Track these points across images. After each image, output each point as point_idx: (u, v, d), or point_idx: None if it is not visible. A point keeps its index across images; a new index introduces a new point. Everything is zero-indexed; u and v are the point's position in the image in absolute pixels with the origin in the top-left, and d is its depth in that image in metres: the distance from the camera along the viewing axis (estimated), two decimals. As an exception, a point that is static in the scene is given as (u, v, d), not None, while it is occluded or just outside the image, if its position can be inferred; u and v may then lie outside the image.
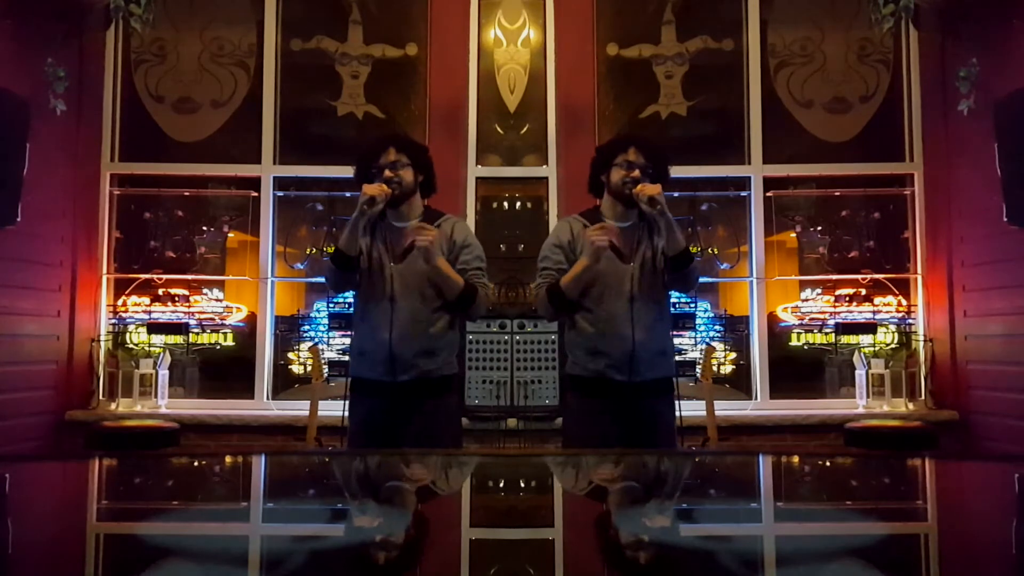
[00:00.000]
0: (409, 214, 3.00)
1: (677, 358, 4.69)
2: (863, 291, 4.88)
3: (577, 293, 2.91)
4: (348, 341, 4.78)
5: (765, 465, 2.33)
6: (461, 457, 2.63)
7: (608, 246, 2.86)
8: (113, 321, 4.83)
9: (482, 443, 4.17)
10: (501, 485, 2.11)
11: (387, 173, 2.92)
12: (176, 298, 4.87)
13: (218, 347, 4.87)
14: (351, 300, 4.65)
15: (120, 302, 4.85)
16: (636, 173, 2.91)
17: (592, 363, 2.92)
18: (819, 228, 4.99)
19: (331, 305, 4.83)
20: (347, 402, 3.04)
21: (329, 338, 4.84)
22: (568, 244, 2.97)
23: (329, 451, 3.86)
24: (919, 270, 4.85)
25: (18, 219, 4.00)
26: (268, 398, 4.79)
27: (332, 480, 2.20)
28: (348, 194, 4.91)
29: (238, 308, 4.90)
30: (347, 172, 4.73)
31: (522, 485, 2.10)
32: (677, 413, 3.04)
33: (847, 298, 4.88)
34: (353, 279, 3.00)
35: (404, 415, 2.90)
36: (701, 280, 4.80)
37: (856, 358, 4.75)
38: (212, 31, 5.00)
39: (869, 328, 4.79)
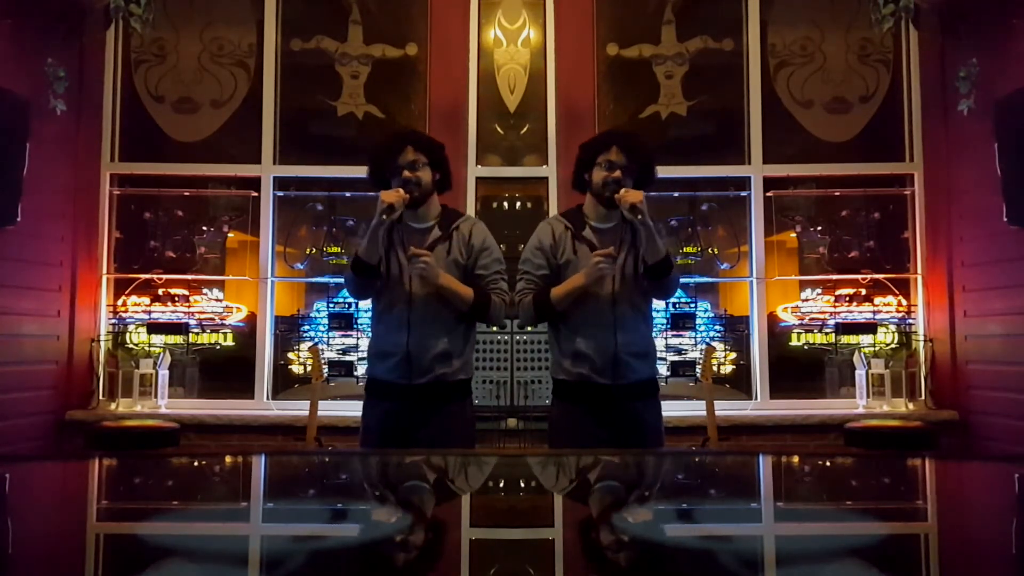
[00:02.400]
0: (427, 215, 2.95)
1: (677, 358, 4.74)
2: (863, 291, 4.88)
3: (566, 306, 2.86)
4: (348, 341, 4.83)
5: (765, 465, 2.33)
6: (466, 458, 2.62)
7: (611, 275, 2.83)
8: (113, 321, 4.83)
9: (482, 443, 4.17)
10: (501, 485, 2.11)
11: (406, 174, 2.87)
12: (176, 298, 4.87)
13: (218, 347, 4.87)
14: (350, 300, 4.69)
15: (120, 302, 4.85)
16: (617, 174, 2.85)
17: (575, 367, 2.86)
18: (819, 228, 4.99)
19: (331, 305, 4.84)
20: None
21: (329, 338, 4.84)
22: (550, 248, 2.90)
23: (329, 451, 3.86)
24: (919, 270, 4.85)
25: (18, 219, 4.00)
26: (268, 398, 4.79)
27: (332, 480, 2.20)
28: (348, 194, 4.93)
29: (238, 308, 4.90)
30: (347, 172, 4.82)
31: (522, 485, 2.10)
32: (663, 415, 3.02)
33: (847, 298, 4.88)
34: (375, 285, 2.93)
35: (419, 419, 2.86)
36: (702, 280, 4.88)
37: (856, 358, 4.75)
38: (212, 31, 5.00)
39: (869, 328, 4.80)
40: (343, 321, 4.75)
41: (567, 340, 2.89)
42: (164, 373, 4.71)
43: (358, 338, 4.76)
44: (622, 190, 2.82)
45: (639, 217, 2.77)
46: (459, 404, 2.94)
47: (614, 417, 2.86)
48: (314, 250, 4.95)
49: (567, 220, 2.97)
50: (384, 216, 2.78)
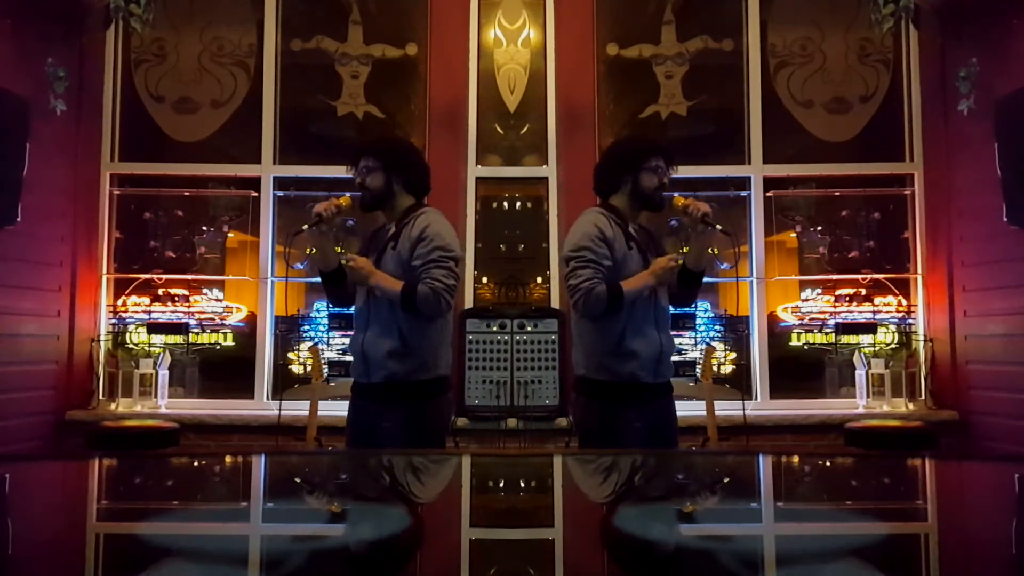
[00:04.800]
0: (392, 215, 3.04)
1: (677, 358, 4.73)
2: (863, 291, 4.88)
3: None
4: (348, 341, 4.82)
5: (765, 465, 2.33)
6: (457, 457, 2.63)
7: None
8: (113, 321, 4.83)
9: (482, 443, 4.17)
10: (501, 485, 2.11)
11: (357, 180, 3.02)
12: (176, 298, 4.87)
13: (218, 347, 4.87)
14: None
15: (120, 302, 4.85)
16: (666, 180, 2.97)
17: (622, 366, 2.86)
18: (819, 228, 4.98)
19: (331, 305, 4.83)
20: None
21: (329, 338, 4.84)
22: (611, 239, 2.89)
23: (328, 451, 3.86)
24: (919, 270, 4.85)
25: (18, 219, 4.00)
26: (268, 398, 4.78)
27: (331, 480, 2.20)
28: (347, 194, 4.92)
29: (238, 308, 4.90)
30: (347, 172, 4.81)
31: (521, 485, 2.10)
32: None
33: (847, 298, 4.87)
34: (345, 290, 3.04)
35: (374, 417, 2.91)
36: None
37: (856, 358, 4.75)
38: (212, 31, 5.00)
39: (869, 328, 4.79)
40: (343, 321, 4.75)
41: (613, 339, 2.87)
42: (164, 373, 4.71)
43: (358, 338, 4.75)
44: (686, 197, 2.98)
45: (715, 225, 2.90)
46: (415, 407, 2.90)
47: (655, 415, 2.92)
48: (314, 250, 4.93)
49: (613, 215, 2.97)
50: (315, 225, 2.95)
